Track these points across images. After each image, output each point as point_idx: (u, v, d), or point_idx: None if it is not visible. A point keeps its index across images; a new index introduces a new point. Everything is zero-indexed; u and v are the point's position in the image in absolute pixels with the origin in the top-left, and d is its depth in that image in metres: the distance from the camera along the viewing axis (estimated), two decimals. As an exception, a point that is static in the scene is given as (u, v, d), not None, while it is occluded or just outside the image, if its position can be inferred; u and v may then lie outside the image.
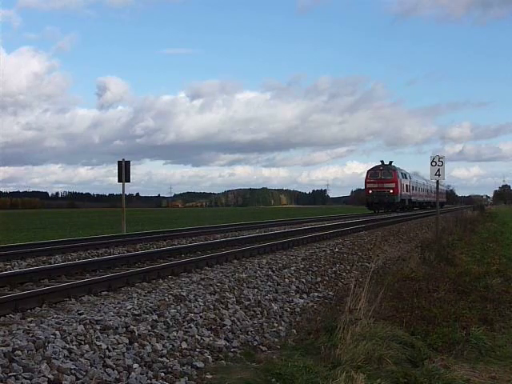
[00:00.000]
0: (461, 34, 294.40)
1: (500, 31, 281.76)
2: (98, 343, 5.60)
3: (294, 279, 10.66)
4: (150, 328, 6.35)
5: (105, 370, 5.20)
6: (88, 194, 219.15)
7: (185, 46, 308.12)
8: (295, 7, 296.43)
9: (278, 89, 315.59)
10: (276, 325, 7.90)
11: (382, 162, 53.45)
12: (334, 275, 12.19)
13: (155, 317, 6.71)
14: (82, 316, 6.39)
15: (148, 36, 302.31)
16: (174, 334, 6.45)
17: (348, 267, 13.31)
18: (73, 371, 4.94)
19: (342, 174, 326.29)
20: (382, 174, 51.49)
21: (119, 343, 5.79)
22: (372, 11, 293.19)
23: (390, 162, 54.18)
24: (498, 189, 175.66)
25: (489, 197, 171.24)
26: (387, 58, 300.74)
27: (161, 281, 9.89)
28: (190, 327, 6.76)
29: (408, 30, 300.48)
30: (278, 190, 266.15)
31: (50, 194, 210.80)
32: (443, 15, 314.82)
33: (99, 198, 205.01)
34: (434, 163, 19.45)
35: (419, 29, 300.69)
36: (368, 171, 53.20)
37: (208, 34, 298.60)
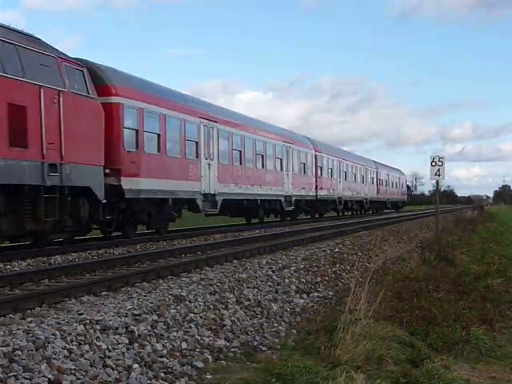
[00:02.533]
0: (463, 35, 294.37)
1: (502, 31, 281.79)
2: (98, 343, 5.60)
3: (294, 279, 10.66)
4: (150, 328, 6.35)
5: (105, 370, 5.20)
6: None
7: (186, 46, 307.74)
8: (299, 8, 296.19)
9: (280, 89, 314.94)
10: (276, 325, 7.90)
11: None
12: (333, 275, 12.19)
13: (155, 317, 6.70)
14: (81, 316, 6.39)
15: (150, 36, 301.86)
16: (174, 334, 6.45)
17: (348, 267, 13.31)
18: (73, 371, 4.94)
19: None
20: None
21: (119, 343, 5.79)
22: (374, 12, 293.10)
23: None
24: (497, 189, 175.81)
25: (489, 197, 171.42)
26: (389, 58, 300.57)
27: (161, 281, 9.89)
28: (190, 327, 6.75)
29: (410, 31, 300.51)
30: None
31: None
32: (446, 16, 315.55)
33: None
34: (433, 163, 19.48)
35: (421, 29, 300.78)
36: None
37: (210, 34, 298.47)
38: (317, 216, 36.35)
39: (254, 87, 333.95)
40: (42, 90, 12.50)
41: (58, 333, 5.57)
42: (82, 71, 14.42)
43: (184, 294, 7.95)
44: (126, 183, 15.91)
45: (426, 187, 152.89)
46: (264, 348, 6.84)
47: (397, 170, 63.73)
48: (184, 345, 6.27)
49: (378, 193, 49.43)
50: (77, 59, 14.79)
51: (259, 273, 10.48)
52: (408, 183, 73.92)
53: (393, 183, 57.52)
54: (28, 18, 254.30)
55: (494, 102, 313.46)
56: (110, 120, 15.33)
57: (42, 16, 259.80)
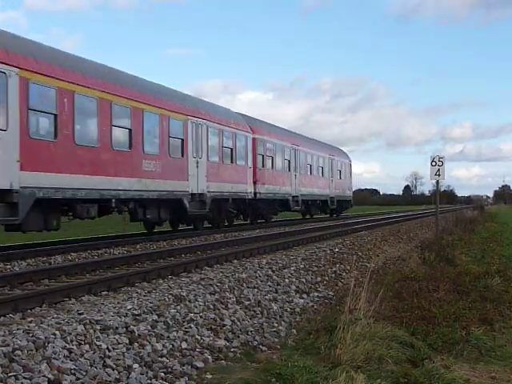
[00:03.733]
0: (463, 35, 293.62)
1: (502, 31, 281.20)
2: (97, 343, 5.60)
3: (294, 279, 10.66)
4: (149, 328, 6.35)
5: (105, 370, 5.20)
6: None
7: (186, 46, 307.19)
8: (299, 8, 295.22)
9: (280, 89, 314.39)
10: (276, 325, 7.90)
11: None
12: (333, 275, 12.19)
13: (155, 317, 6.71)
14: (81, 316, 6.39)
15: (150, 36, 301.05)
16: (174, 333, 6.45)
17: (348, 267, 13.30)
18: (73, 371, 4.94)
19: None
20: None
21: (119, 343, 5.79)
22: (374, 12, 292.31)
23: None
24: (497, 189, 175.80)
25: (489, 197, 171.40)
26: (389, 58, 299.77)
27: (161, 281, 9.89)
28: (190, 327, 6.76)
29: (410, 31, 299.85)
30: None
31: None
32: (446, 16, 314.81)
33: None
34: (433, 163, 19.47)
35: (421, 29, 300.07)
36: None
37: (210, 34, 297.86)
38: None
39: (255, 87, 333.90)
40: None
41: (57, 333, 5.57)
42: None
43: (184, 294, 7.95)
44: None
45: (426, 187, 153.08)
46: (264, 348, 6.84)
47: (331, 146, 40.25)
48: (184, 345, 6.27)
49: (257, 183, 25.07)
50: None
51: (259, 273, 10.48)
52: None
53: (314, 168, 33.68)
54: (29, 19, 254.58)
55: (494, 101, 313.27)
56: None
57: (43, 16, 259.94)
